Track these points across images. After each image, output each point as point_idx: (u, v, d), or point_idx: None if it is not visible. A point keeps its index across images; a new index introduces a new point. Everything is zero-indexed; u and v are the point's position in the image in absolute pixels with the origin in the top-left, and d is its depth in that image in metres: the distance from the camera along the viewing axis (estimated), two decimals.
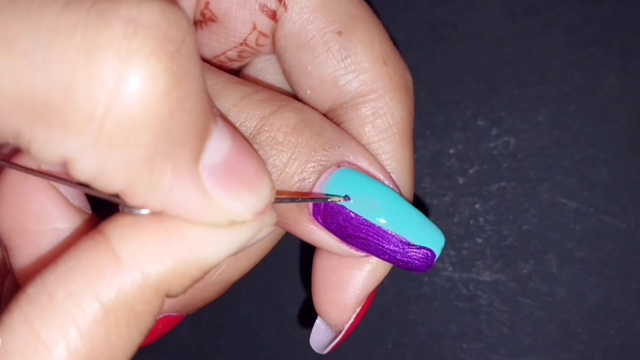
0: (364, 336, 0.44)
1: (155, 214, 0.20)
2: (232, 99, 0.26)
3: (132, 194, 0.19)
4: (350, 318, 0.30)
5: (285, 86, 0.31)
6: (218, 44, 0.30)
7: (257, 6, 0.28)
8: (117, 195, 0.19)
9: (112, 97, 0.17)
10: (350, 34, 0.28)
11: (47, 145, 0.18)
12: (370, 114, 0.28)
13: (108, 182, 0.19)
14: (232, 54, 0.30)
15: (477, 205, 0.43)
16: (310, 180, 0.26)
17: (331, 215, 0.26)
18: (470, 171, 0.43)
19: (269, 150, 0.26)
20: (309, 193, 0.27)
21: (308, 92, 0.29)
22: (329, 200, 0.26)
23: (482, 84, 0.43)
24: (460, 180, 0.43)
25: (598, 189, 0.42)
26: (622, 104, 0.42)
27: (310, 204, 0.26)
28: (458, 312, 0.43)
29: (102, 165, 0.18)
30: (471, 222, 0.43)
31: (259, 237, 0.22)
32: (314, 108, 0.29)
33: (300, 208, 0.27)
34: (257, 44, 0.29)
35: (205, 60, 0.31)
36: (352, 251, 0.28)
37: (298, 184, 0.26)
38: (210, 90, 0.26)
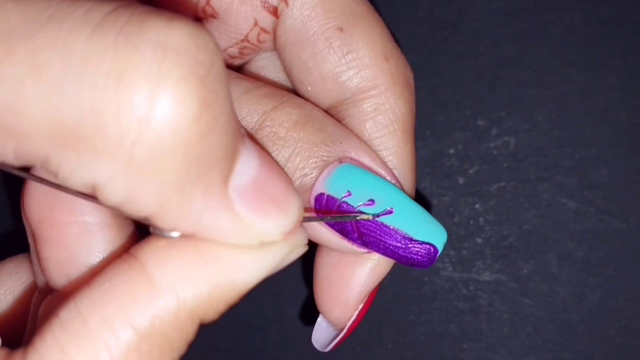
0: (364, 336, 0.43)
1: (187, 236, 0.20)
2: (233, 93, 0.26)
3: (162, 218, 0.19)
4: (352, 315, 0.30)
5: (286, 83, 0.31)
6: (219, 40, 0.30)
7: (258, 2, 0.28)
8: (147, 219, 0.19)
9: (142, 123, 0.16)
10: (352, 30, 0.28)
11: (75, 171, 0.17)
12: (371, 110, 0.28)
13: (138, 208, 0.18)
14: (233, 50, 0.30)
15: (477, 205, 0.43)
16: (312, 175, 0.26)
17: (333, 211, 0.26)
18: (470, 171, 0.43)
19: (270, 145, 0.26)
20: (337, 212, 0.27)
21: (309, 88, 0.29)
22: (359, 218, 0.26)
23: (482, 84, 0.43)
24: (460, 180, 0.43)
25: (598, 189, 0.42)
26: (622, 104, 0.42)
27: (312, 200, 0.26)
28: (458, 312, 0.43)
29: (132, 191, 0.18)
30: (471, 222, 0.43)
31: (292, 258, 0.22)
32: (315, 104, 0.29)
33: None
34: (259, 41, 0.29)
35: None
36: (354, 248, 0.27)
37: (300, 180, 0.26)
38: None
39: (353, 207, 0.26)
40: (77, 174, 0.17)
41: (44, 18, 0.16)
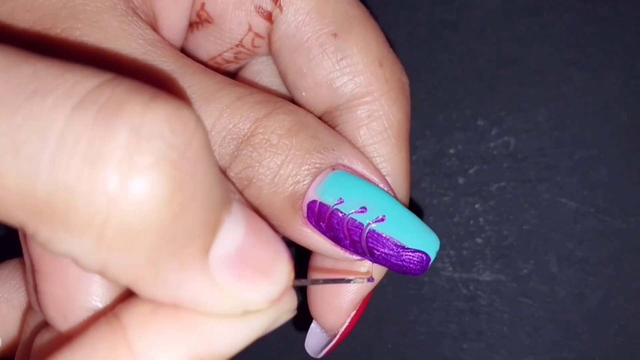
0: (364, 336, 0.44)
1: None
2: (226, 100, 0.26)
3: (139, 290, 0.19)
4: (345, 322, 0.30)
5: (282, 88, 0.31)
6: (214, 45, 0.30)
7: (252, 7, 0.28)
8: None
9: (111, 205, 0.17)
10: (346, 35, 0.28)
11: (51, 242, 0.18)
12: (365, 117, 0.28)
13: (113, 279, 0.19)
14: (228, 55, 0.30)
15: (477, 205, 0.43)
16: (305, 182, 0.26)
17: (325, 219, 0.26)
18: (470, 171, 0.43)
19: (262, 152, 0.26)
20: (331, 277, 0.27)
21: (304, 94, 0.29)
22: (352, 282, 0.26)
23: (482, 84, 0.43)
24: (460, 180, 0.43)
25: (598, 189, 0.42)
26: (622, 104, 0.42)
27: (305, 207, 0.26)
28: (458, 312, 0.43)
29: (105, 266, 0.18)
30: (471, 222, 0.43)
31: (278, 324, 0.22)
32: (309, 110, 0.29)
33: (294, 211, 0.27)
34: (253, 46, 0.29)
35: (201, 61, 0.31)
36: (347, 255, 0.27)
37: (292, 187, 0.26)
38: (204, 92, 0.26)
39: (345, 214, 0.26)
40: (53, 245, 0.18)
41: (28, 91, 0.17)
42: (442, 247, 0.42)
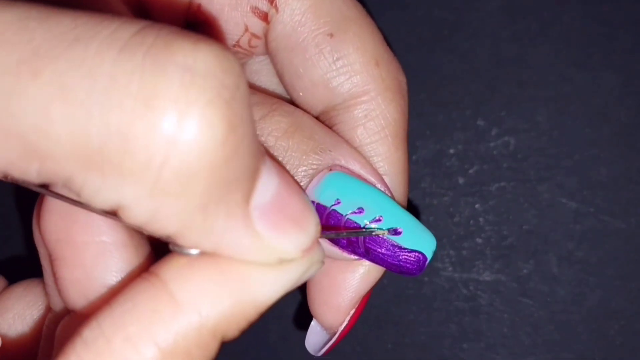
0: (364, 336, 0.44)
1: (208, 253, 0.20)
2: None
3: (185, 237, 0.19)
4: (344, 320, 0.30)
5: (280, 88, 0.31)
6: None
7: (248, 8, 0.28)
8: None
9: (170, 146, 0.16)
10: (342, 35, 0.28)
11: (100, 192, 0.17)
12: (362, 116, 0.28)
13: (161, 227, 0.18)
14: None
15: (477, 205, 0.43)
16: (302, 184, 0.26)
17: (323, 219, 0.27)
18: (470, 171, 0.43)
19: None
20: (353, 228, 0.27)
21: (301, 94, 0.29)
22: (374, 233, 0.26)
23: (482, 84, 0.43)
24: (460, 180, 0.43)
25: (598, 189, 0.42)
26: (622, 104, 0.42)
27: None
28: (458, 312, 0.43)
29: (156, 212, 0.18)
30: (471, 222, 0.43)
31: (310, 274, 0.22)
32: (306, 110, 0.29)
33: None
34: (250, 46, 0.30)
35: None
36: (345, 255, 0.28)
37: None
38: None
39: (343, 215, 0.26)
40: (101, 195, 0.17)
41: (70, 38, 0.16)
42: (442, 247, 0.42)
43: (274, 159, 0.21)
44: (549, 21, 0.42)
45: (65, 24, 0.17)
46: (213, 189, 0.18)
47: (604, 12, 0.42)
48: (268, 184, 0.20)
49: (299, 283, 0.22)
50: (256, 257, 0.20)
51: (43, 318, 0.29)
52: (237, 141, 0.18)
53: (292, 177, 0.21)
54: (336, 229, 0.27)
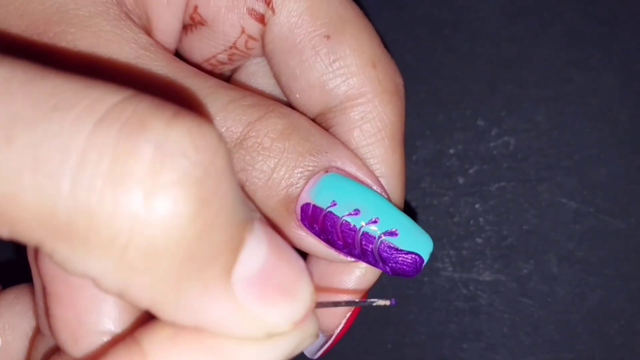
0: (364, 336, 0.44)
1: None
2: (219, 103, 0.26)
3: (160, 312, 0.18)
4: (340, 323, 0.30)
5: (277, 90, 0.31)
6: (208, 47, 0.30)
7: (245, 10, 0.28)
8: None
9: (135, 224, 0.16)
10: (339, 37, 0.28)
11: (69, 261, 0.17)
12: (359, 118, 0.28)
13: (134, 300, 0.18)
14: (222, 57, 0.30)
15: (477, 205, 0.43)
16: (298, 186, 0.26)
17: (319, 221, 0.27)
18: (470, 171, 0.43)
19: (255, 156, 0.26)
20: (352, 301, 0.27)
21: (297, 96, 0.29)
22: (375, 304, 0.26)
23: (482, 84, 0.43)
24: (460, 180, 0.43)
25: (598, 189, 0.42)
26: (622, 104, 0.42)
27: (298, 210, 0.26)
28: (458, 312, 0.43)
29: (125, 287, 0.18)
30: (471, 222, 0.43)
31: (302, 348, 0.21)
32: (303, 112, 0.29)
33: (288, 214, 0.27)
34: (247, 47, 0.30)
35: (195, 63, 0.31)
36: (341, 257, 0.28)
37: (286, 190, 0.26)
38: (197, 95, 0.26)
39: (339, 216, 0.26)
40: (71, 264, 0.17)
41: (49, 106, 0.16)
42: (442, 247, 0.42)
43: (265, 224, 0.20)
44: (549, 21, 0.42)
45: (46, 90, 0.17)
46: (184, 265, 0.17)
47: (604, 12, 0.42)
48: (255, 253, 0.19)
49: (289, 357, 0.21)
50: (241, 332, 0.19)
51: (33, 330, 0.29)
52: (210, 216, 0.17)
53: (286, 243, 0.20)
54: (344, 292, 0.27)
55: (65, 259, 0.17)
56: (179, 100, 0.25)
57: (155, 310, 0.18)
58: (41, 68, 0.17)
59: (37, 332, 0.28)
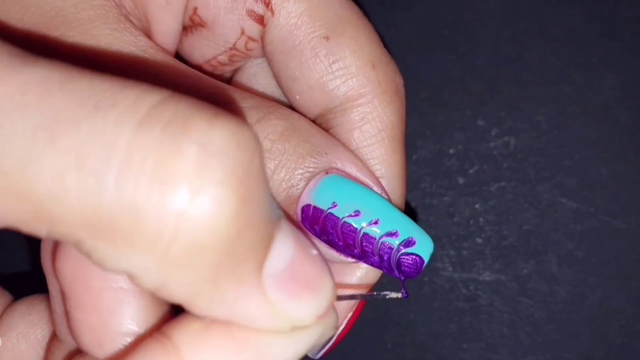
0: (364, 336, 0.44)
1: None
2: None
3: (195, 306, 0.19)
4: (341, 323, 0.30)
5: (278, 91, 0.31)
6: (209, 48, 0.30)
7: (244, 11, 0.28)
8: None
9: (180, 221, 0.17)
10: (338, 38, 0.28)
11: (109, 259, 0.18)
12: (359, 119, 0.28)
13: (170, 296, 0.18)
14: (223, 58, 0.30)
15: (477, 205, 0.43)
16: (299, 187, 0.26)
17: (320, 222, 0.27)
18: (470, 171, 0.43)
19: None
20: (367, 294, 0.27)
21: (297, 97, 0.29)
22: (388, 296, 0.26)
23: (482, 84, 0.43)
24: (460, 180, 0.43)
25: (598, 189, 0.42)
26: (622, 104, 0.41)
27: (299, 211, 0.26)
28: (458, 312, 0.43)
29: (165, 282, 0.18)
30: (471, 222, 0.43)
31: (323, 340, 0.22)
32: (303, 113, 0.29)
33: (289, 215, 0.27)
34: (247, 49, 0.30)
35: (196, 64, 0.31)
36: (342, 258, 0.28)
37: (286, 191, 0.26)
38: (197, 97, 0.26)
39: (339, 218, 0.26)
40: (110, 262, 0.18)
41: (89, 105, 0.16)
42: (442, 247, 0.42)
43: (290, 221, 0.21)
44: (549, 21, 0.42)
45: (85, 89, 0.17)
46: (224, 262, 0.18)
47: (604, 12, 0.42)
48: (283, 250, 0.20)
49: (312, 349, 0.21)
50: (269, 325, 0.20)
51: (47, 339, 0.29)
52: (249, 215, 0.18)
53: (309, 240, 0.21)
54: (353, 288, 0.27)
55: (105, 256, 0.18)
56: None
57: (191, 305, 0.19)
58: (76, 68, 0.17)
59: (53, 339, 0.28)
